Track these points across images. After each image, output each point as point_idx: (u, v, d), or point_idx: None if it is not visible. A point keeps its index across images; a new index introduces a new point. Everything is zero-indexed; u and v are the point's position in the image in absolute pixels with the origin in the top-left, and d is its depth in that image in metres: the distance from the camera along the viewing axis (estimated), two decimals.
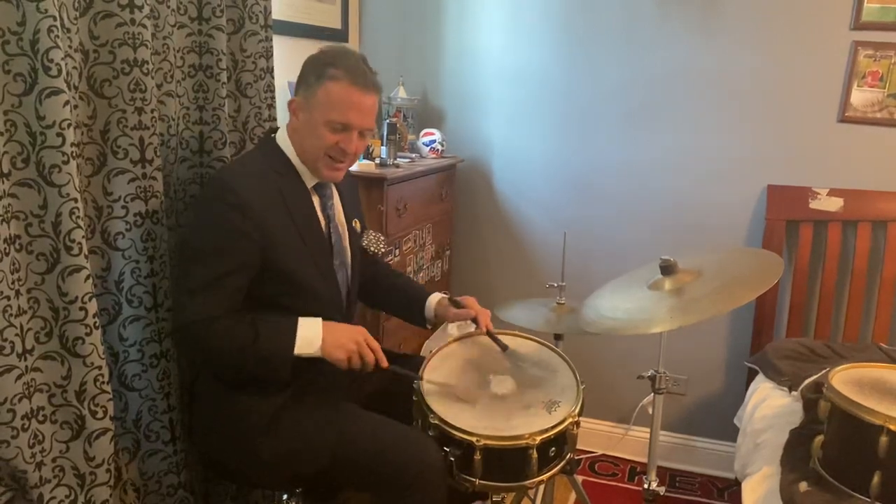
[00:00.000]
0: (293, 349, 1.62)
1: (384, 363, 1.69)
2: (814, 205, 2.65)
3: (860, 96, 2.58)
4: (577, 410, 1.70)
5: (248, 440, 1.65)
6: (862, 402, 1.58)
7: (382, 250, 2.00)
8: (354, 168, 2.32)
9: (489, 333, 1.90)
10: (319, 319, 1.67)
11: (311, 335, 1.63)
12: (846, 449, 1.63)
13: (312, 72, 1.68)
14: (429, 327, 2.02)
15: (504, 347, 1.89)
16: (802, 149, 2.69)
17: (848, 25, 2.54)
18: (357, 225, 1.93)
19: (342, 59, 1.68)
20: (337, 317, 1.78)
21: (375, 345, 1.70)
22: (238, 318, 1.61)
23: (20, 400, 1.37)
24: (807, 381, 2.09)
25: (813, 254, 2.68)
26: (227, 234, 1.60)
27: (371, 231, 2.01)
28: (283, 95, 2.34)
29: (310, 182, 1.77)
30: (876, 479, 1.53)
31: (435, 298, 1.98)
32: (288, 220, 1.69)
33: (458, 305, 1.94)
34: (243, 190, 1.62)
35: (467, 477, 1.63)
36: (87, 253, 1.46)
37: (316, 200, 1.79)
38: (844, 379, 1.71)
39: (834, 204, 2.63)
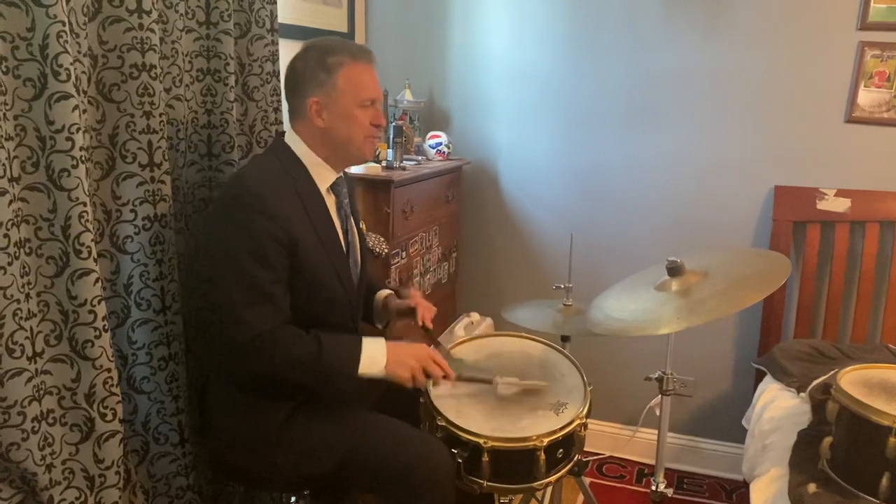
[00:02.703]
0: (358, 368, 1.63)
1: (451, 376, 1.72)
2: (821, 205, 2.64)
3: (867, 96, 2.57)
4: (584, 412, 1.70)
5: (260, 443, 1.66)
6: (870, 403, 1.57)
7: (385, 251, 2.00)
8: (361, 171, 2.33)
9: (423, 327, 1.89)
10: (383, 339, 1.69)
11: (375, 355, 1.65)
12: (855, 450, 1.62)
13: (317, 69, 1.69)
14: (379, 326, 2.01)
15: (437, 344, 1.87)
16: (809, 149, 2.68)
17: (855, 25, 2.54)
18: (363, 227, 1.93)
19: (336, 46, 1.72)
20: (350, 317, 1.79)
21: (441, 360, 1.72)
22: (300, 333, 1.61)
23: (30, 403, 1.37)
24: (815, 383, 2.09)
25: (820, 254, 2.68)
26: (265, 242, 1.59)
27: (372, 233, 2.02)
28: None
29: (325, 183, 1.77)
30: (885, 480, 1.53)
31: (383, 293, 2.00)
32: (308, 224, 1.68)
33: (402, 296, 1.95)
34: (268, 196, 1.61)
35: (475, 479, 1.64)
36: (96, 256, 1.47)
37: (331, 201, 1.79)
38: (853, 380, 1.71)
39: (841, 204, 2.62)
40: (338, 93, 1.68)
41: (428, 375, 1.69)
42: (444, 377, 1.71)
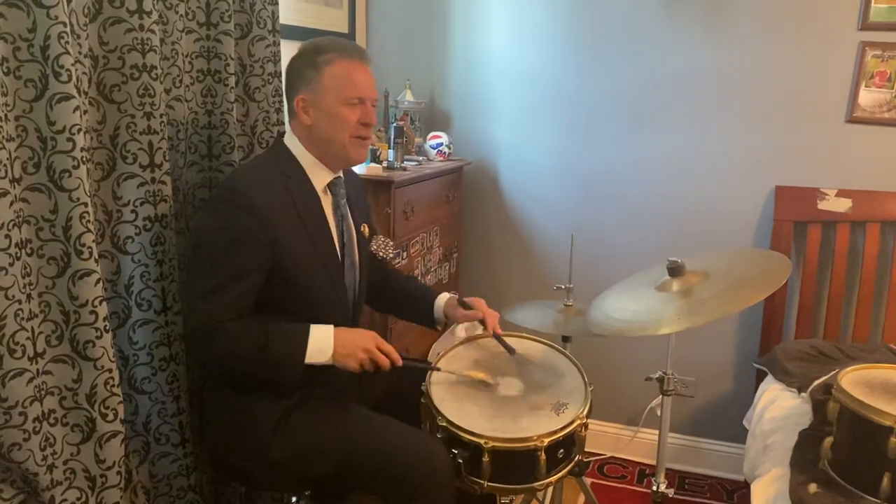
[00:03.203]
0: (304, 358, 1.62)
1: (399, 361, 1.70)
2: (822, 206, 2.64)
3: (868, 97, 2.57)
4: (585, 412, 1.70)
5: (257, 442, 1.66)
6: (871, 403, 1.57)
7: (391, 255, 2.00)
8: (362, 171, 2.33)
9: (496, 336, 1.90)
10: (331, 327, 1.67)
11: (322, 344, 1.64)
12: (856, 450, 1.62)
13: (306, 66, 1.70)
14: (438, 328, 2.02)
15: (511, 351, 1.89)
16: (810, 149, 2.68)
17: (855, 26, 2.54)
18: (366, 230, 1.93)
19: (327, 44, 1.72)
20: (343, 319, 1.79)
21: (387, 347, 1.70)
22: (248, 324, 1.62)
23: (31, 403, 1.38)
24: (816, 383, 2.09)
25: (821, 255, 2.67)
26: (236, 236, 1.60)
27: (380, 236, 2.01)
28: None
29: (321, 183, 1.77)
30: (886, 480, 1.52)
31: (443, 299, 1.98)
32: (298, 223, 1.69)
33: (466, 307, 1.93)
34: (252, 192, 1.62)
35: (476, 479, 1.64)
36: (97, 257, 1.47)
37: (328, 201, 1.79)
38: (854, 380, 1.70)
39: (842, 205, 2.62)
40: (323, 90, 1.69)
41: (376, 365, 1.68)
42: (392, 366, 1.69)
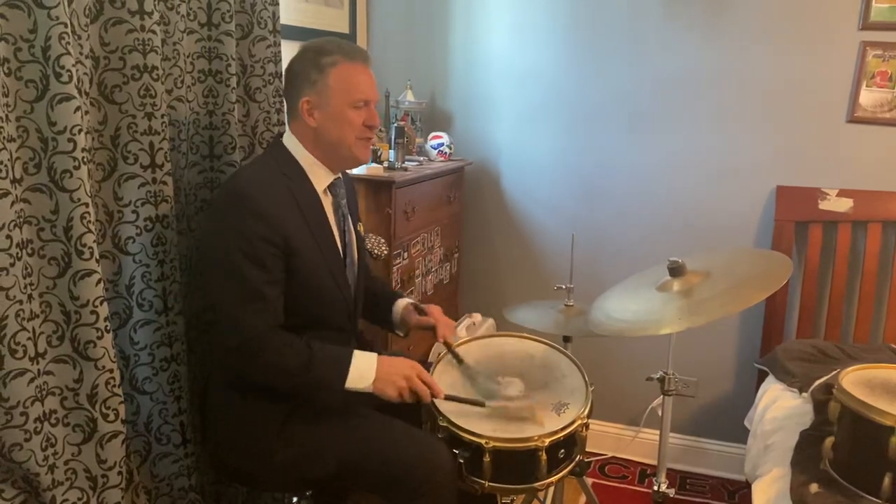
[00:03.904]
0: (345, 382, 1.62)
1: (440, 395, 1.68)
2: (823, 205, 2.64)
3: (869, 96, 2.57)
4: (586, 412, 1.70)
5: (259, 443, 1.66)
6: (872, 403, 1.57)
7: (385, 253, 2.00)
8: (363, 172, 2.33)
9: (445, 345, 1.88)
10: (375, 355, 1.67)
11: (364, 370, 1.64)
12: (857, 450, 1.62)
13: (310, 68, 1.69)
14: (399, 334, 2.00)
15: (460, 360, 1.86)
16: (811, 149, 2.68)
17: (856, 25, 2.54)
18: (361, 228, 1.93)
19: (330, 46, 1.71)
20: (345, 317, 1.79)
21: (429, 378, 1.69)
22: (291, 339, 1.61)
23: (33, 403, 1.38)
24: (817, 383, 2.09)
25: (823, 255, 2.67)
26: (256, 243, 1.59)
27: (371, 235, 2.01)
28: None
29: (322, 184, 1.77)
30: (887, 480, 1.52)
31: (402, 303, 1.98)
32: (303, 225, 1.69)
33: (421, 312, 1.94)
34: (261, 197, 1.62)
35: (477, 479, 1.64)
36: (98, 257, 1.47)
37: (328, 202, 1.79)
38: (855, 380, 1.70)
39: (843, 205, 2.62)
40: (329, 92, 1.68)
41: (417, 395, 1.66)
42: (433, 396, 1.68)
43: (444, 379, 1.80)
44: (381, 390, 1.64)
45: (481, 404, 1.69)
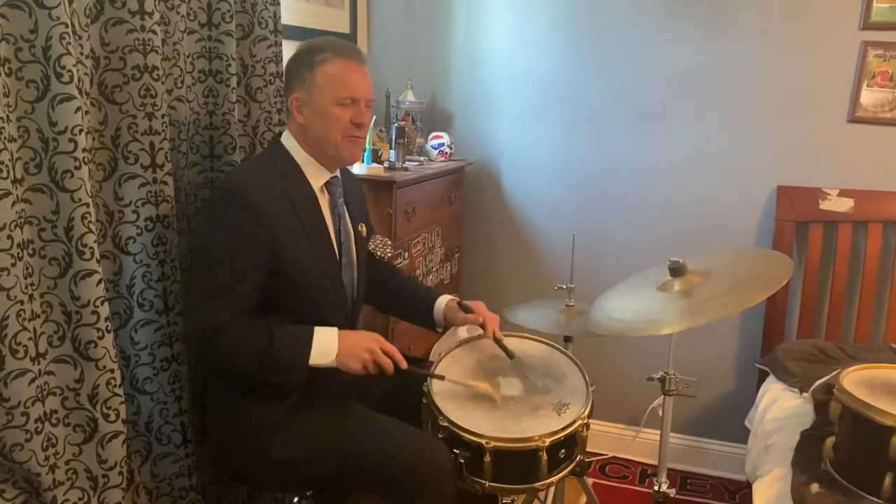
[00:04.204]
0: (308, 360, 1.62)
1: (403, 364, 1.69)
2: (824, 205, 2.64)
3: (870, 96, 2.57)
4: (586, 412, 1.70)
5: (258, 443, 1.66)
6: (873, 403, 1.57)
7: (389, 254, 2.00)
8: (363, 171, 2.33)
9: (496, 340, 1.89)
10: (335, 329, 1.67)
11: (326, 346, 1.63)
12: (857, 450, 1.62)
13: (301, 66, 1.71)
14: (439, 331, 2.01)
15: (511, 355, 1.87)
16: (812, 149, 2.68)
17: (857, 25, 2.54)
18: (363, 229, 1.93)
19: (323, 44, 1.72)
20: (342, 318, 1.79)
21: (391, 348, 1.69)
22: (251, 325, 1.61)
23: (34, 403, 1.38)
24: (818, 383, 2.09)
25: (823, 255, 2.67)
26: (237, 237, 1.60)
27: (378, 236, 2.01)
28: None
29: (318, 182, 1.77)
30: (888, 480, 1.52)
31: (444, 301, 1.97)
32: (297, 223, 1.69)
33: (467, 310, 1.92)
34: (252, 192, 1.62)
35: (477, 479, 1.64)
36: (98, 257, 1.48)
37: (325, 200, 1.79)
38: (855, 380, 1.70)
39: (844, 204, 2.62)
40: (317, 89, 1.69)
41: (380, 368, 1.67)
42: (396, 369, 1.67)
43: (456, 369, 1.81)
44: (344, 364, 1.64)
45: (438, 377, 1.72)
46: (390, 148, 2.61)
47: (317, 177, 1.77)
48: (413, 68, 3.08)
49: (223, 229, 1.62)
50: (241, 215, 1.60)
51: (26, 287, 1.36)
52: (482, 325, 1.89)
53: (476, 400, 1.73)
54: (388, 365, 1.66)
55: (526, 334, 2.01)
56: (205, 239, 1.67)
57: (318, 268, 1.73)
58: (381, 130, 2.77)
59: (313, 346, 1.62)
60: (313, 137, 1.73)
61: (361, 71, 1.74)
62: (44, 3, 1.33)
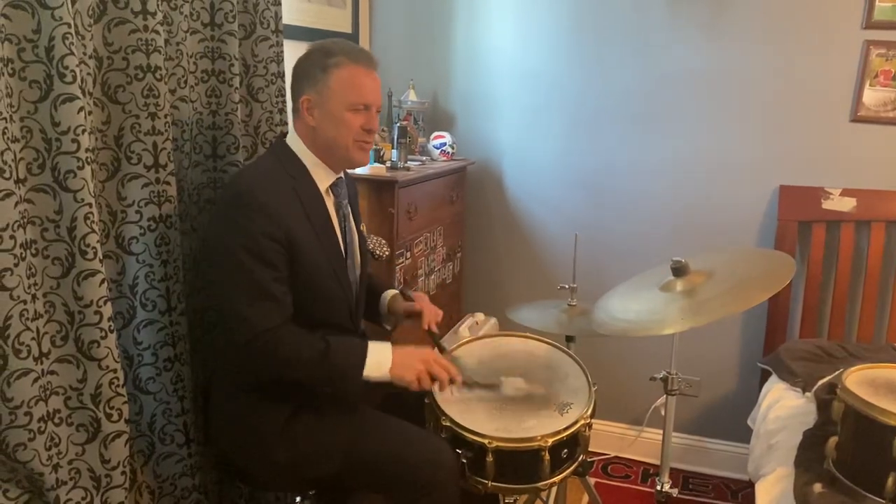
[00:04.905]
0: (363, 370, 1.62)
1: (458, 378, 1.70)
2: (826, 205, 2.64)
3: (872, 95, 2.57)
4: (589, 412, 1.70)
5: (263, 443, 1.66)
6: (876, 402, 1.57)
7: (386, 253, 2.00)
8: (365, 171, 2.33)
9: (429, 332, 1.88)
10: (389, 343, 1.68)
11: (380, 357, 1.64)
12: (860, 450, 1.62)
13: (314, 67, 1.70)
14: (388, 327, 2.00)
15: (442, 349, 1.86)
16: (815, 149, 2.68)
17: (860, 24, 2.53)
18: (364, 229, 1.93)
19: (337, 47, 1.71)
20: (346, 316, 1.79)
21: (445, 362, 1.70)
22: (305, 332, 1.62)
23: (37, 403, 1.38)
24: (820, 382, 2.08)
25: (826, 254, 2.67)
26: (258, 240, 1.59)
27: (373, 235, 2.01)
28: None
29: (324, 183, 1.77)
30: (891, 480, 1.52)
31: (389, 293, 1.98)
32: (306, 223, 1.69)
33: (408, 298, 1.94)
34: (261, 193, 1.62)
35: (479, 479, 1.64)
36: (101, 257, 1.48)
37: (330, 201, 1.79)
38: (858, 380, 1.70)
39: (847, 204, 2.62)
40: (329, 92, 1.69)
41: (434, 379, 1.67)
42: (451, 381, 1.69)
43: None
44: (399, 376, 1.64)
45: (497, 387, 1.74)
46: (392, 148, 2.61)
47: (324, 178, 1.77)
48: (415, 68, 3.08)
49: (245, 234, 1.59)
50: (259, 218, 1.59)
51: (29, 287, 1.37)
52: (419, 315, 1.89)
53: (478, 400, 1.73)
54: (444, 376, 1.67)
55: (528, 334, 2.01)
56: (227, 246, 1.61)
57: (328, 268, 1.73)
58: (383, 130, 2.77)
59: (368, 358, 1.63)
60: (323, 140, 1.73)
61: (374, 76, 1.74)
62: (47, 3, 1.33)
